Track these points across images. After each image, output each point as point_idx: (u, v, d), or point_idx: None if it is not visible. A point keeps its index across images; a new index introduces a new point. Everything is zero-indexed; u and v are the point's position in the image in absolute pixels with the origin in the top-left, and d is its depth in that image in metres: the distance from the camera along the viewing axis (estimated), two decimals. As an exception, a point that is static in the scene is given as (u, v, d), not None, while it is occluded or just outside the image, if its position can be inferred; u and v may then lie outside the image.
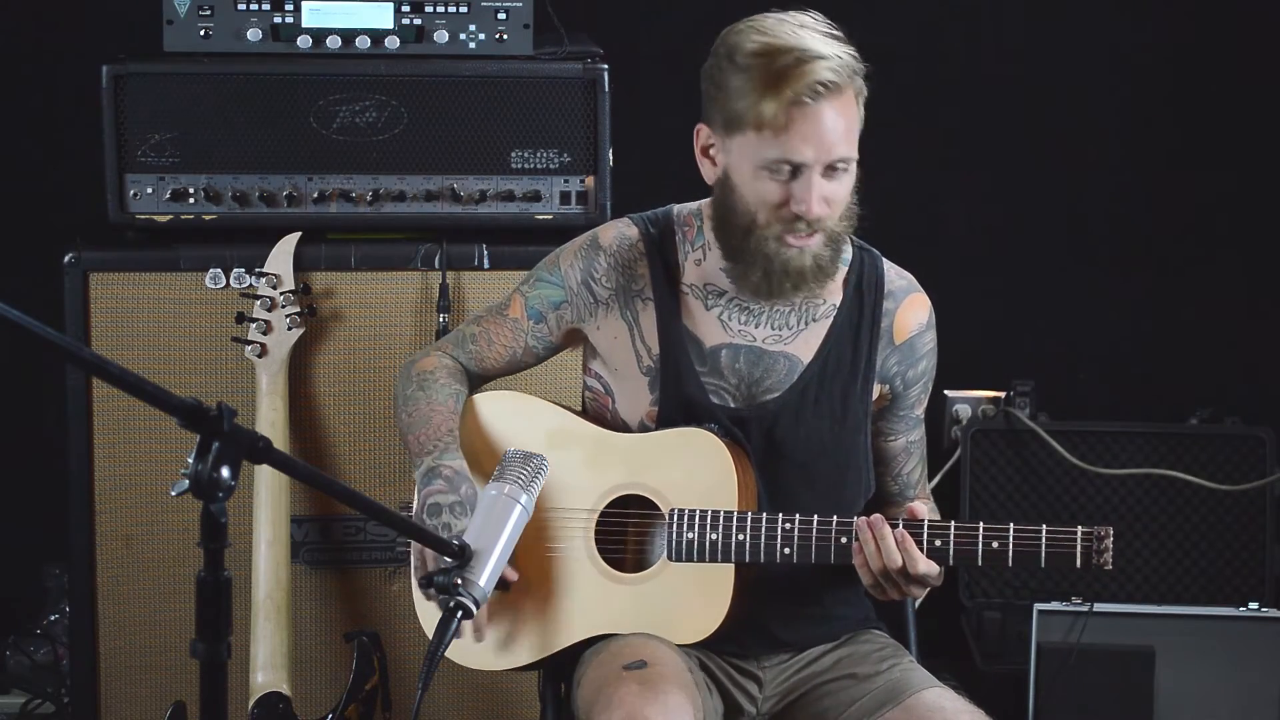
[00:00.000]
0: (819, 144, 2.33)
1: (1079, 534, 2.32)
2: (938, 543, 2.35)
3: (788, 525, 2.39)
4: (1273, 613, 3.50)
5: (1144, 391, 4.01)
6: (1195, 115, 4.01)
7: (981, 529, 2.35)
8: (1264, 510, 3.74)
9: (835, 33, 2.39)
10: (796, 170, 2.35)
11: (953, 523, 2.36)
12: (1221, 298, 4.03)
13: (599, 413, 2.58)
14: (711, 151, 2.45)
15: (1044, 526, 2.34)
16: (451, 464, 2.47)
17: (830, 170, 2.36)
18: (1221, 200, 4.02)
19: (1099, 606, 3.48)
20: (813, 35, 2.37)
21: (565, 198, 3.16)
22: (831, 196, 2.38)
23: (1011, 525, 2.34)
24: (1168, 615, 3.52)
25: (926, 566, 2.35)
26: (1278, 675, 3.49)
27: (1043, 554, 2.33)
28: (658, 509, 2.46)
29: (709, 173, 2.47)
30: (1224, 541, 3.76)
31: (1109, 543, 2.32)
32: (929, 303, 2.59)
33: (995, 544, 2.34)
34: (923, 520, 2.37)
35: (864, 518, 2.37)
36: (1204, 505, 3.76)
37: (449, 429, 2.51)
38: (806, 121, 2.33)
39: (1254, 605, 3.52)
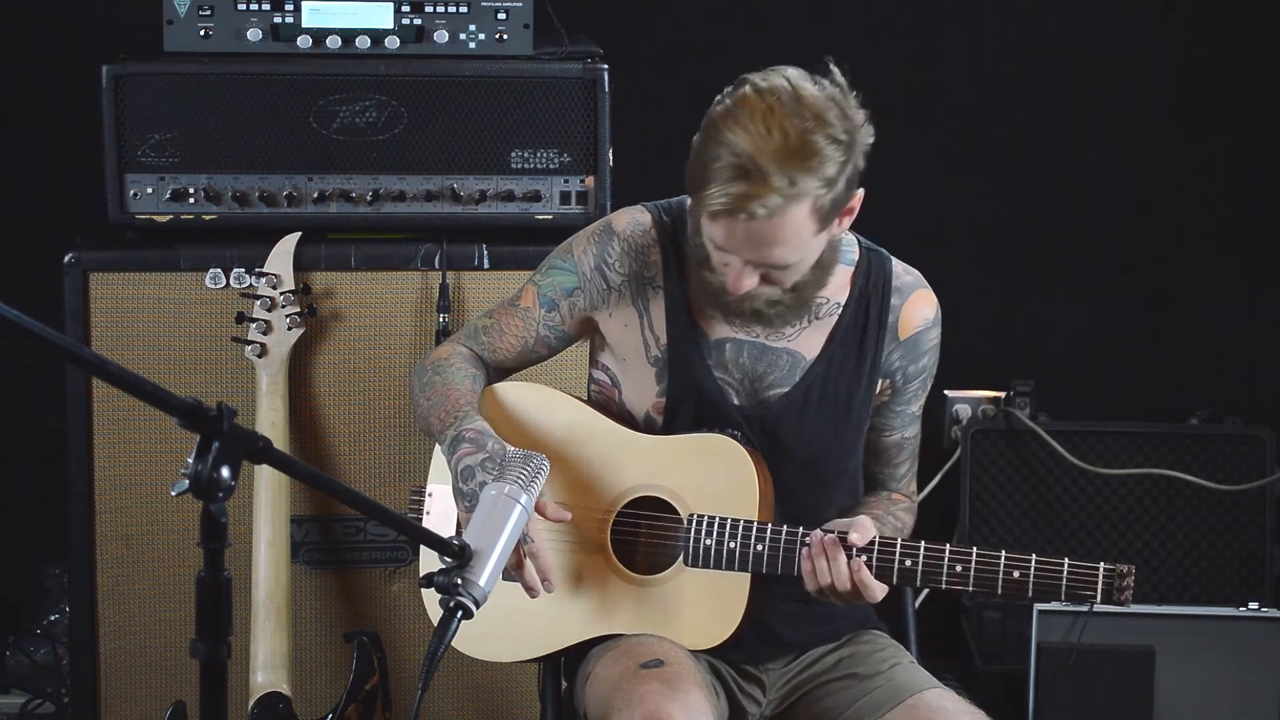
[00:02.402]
0: (744, 247, 2.29)
1: (1101, 570, 2.28)
2: (908, 563, 2.33)
3: (807, 539, 2.38)
4: (1273, 613, 3.50)
5: (1144, 391, 4.01)
6: (1194, 116, 4.00)
7: (1004, 558, 2.31)
8: (1264, 510, 3.74)
9: (831, 123, 2.24)
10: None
11: (974, 550, 2.32)
12: (1221, 298, 4.03)
13: (605, 406, 2.57)
14: None
15: (1066, 560, 2.29)
16: (473, 426, 2.43)
17: (762, 267, 2.32)
18: (1221, 200, 4.02)
19: (1099, 607, 3.47)
20: (780, 147, 2.21)
21: (565, 198, 3.16)
22: (765, 291, 2.35)
23: (1034, 556, 2.30)
24: (1168, 615, 3.52)
25: (880, 590, 2.35)
26: (1278, 675, 3.49)
27: (1064, 588, 2.29)
28: (675, 512, 2.45)
29: None
30: (1224, 541, 3.76)
31: (1130, 580, 2.27)
32: (935, 299, 2.56)
33: (1017, 574, 2.30)
34: (894, 541, 2.34)
35: (819, 535, 2.35)
36: (1204, 505, 3.76)
37: (468, 401, 2.49)
38: (733, 226, 2.27)
39: (1254, 605, 3.52)
